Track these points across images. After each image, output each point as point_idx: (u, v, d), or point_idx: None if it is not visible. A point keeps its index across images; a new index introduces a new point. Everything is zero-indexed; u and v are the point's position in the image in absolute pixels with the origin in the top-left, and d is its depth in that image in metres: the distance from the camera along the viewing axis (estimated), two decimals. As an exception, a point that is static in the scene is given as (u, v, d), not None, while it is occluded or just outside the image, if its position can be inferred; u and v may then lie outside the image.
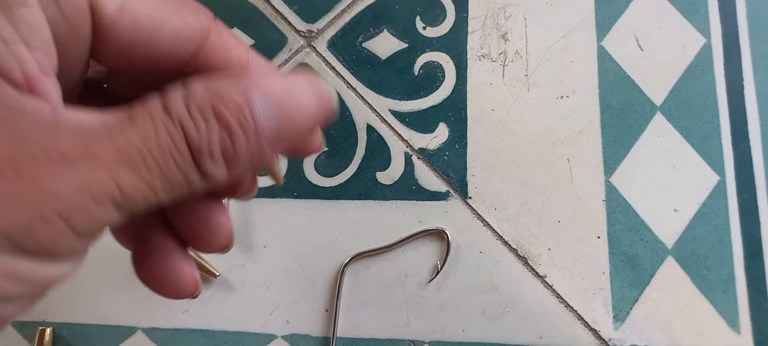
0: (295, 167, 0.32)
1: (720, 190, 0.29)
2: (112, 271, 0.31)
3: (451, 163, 0.31)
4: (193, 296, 0.20)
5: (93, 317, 0.31)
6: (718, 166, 0.29)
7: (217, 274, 0.30)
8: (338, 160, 0.32)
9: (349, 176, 0.32)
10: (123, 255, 0.17)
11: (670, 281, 0.28)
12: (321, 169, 0.32)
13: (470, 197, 0.30)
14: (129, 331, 0.31)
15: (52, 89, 0.15)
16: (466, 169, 0.31)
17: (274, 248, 0.31)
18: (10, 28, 0.14)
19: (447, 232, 0.30)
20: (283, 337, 0.30)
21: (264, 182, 0.32)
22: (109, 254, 0.30)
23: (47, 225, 0.13)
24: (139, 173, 0.15)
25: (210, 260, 0.31)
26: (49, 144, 0.14)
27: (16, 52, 0.14)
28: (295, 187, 0.32)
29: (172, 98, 0.15)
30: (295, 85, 0.17)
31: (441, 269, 0.30)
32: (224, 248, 0.21)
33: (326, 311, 0.30)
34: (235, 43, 0.19)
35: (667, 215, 0.29)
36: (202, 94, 0.15)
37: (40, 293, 0.14)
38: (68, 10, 0.15)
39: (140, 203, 0.15)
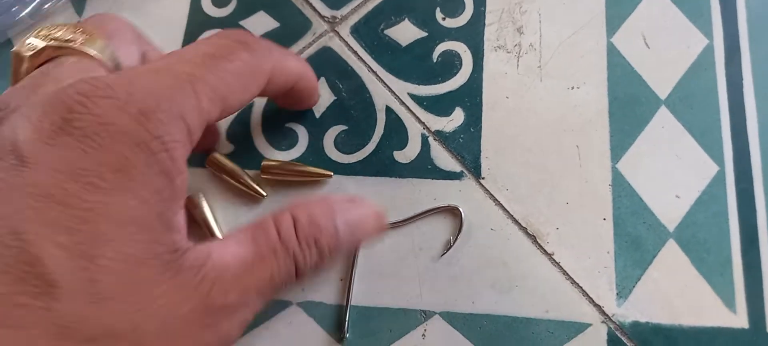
0: (316, 143, 0.34)
1: (719, 179, 0.32)
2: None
3: (466, 145, 0.33)
4: None
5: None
6: (717, 157, 0.32)
7: (264, 194, 0.33)
8: (358, 139, 0.34)
9: (367, 154, 0.34)
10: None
11: (671, 263, 0.31)
12: (341, 146, 0.34)
13: (483, 178, 0.33)
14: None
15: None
16: (480, 151, 0.33)
17: (293, 218, 0.33)
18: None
19: (460, 209, 0.32)
20: (298, 303, 0.32)
21: (284, 156, 0.34)
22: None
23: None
24: (265, 295, 0.23)
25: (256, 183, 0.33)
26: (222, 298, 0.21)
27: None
28: (316, 162, 0.34)
29: (285, 231, 0.23)
30: (366, 216, 0.26)
31: (453, 243, 0.32)
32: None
33: (341, 280, 0.32)
34: (283, 65, 0.27)
35: (670, 201, 0.31)
36: (307, 228, 0.23)
37: None
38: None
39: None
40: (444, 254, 0.32)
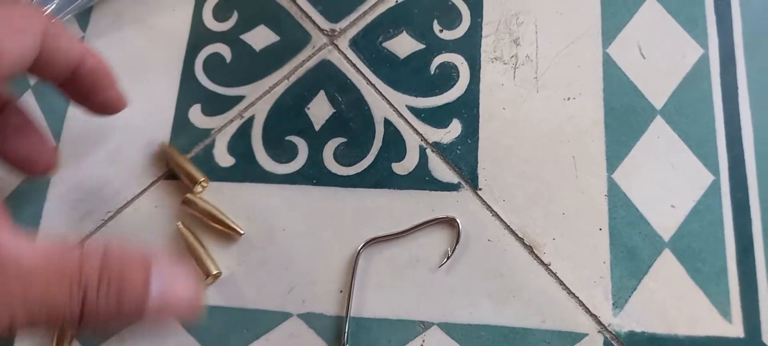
0: (315, 156, 0.35)
1: (715, 189, 0.32)
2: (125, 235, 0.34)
3: (463, 156, 0.34)
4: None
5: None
6: (713, 167, 0.33)
7: (242, 232, 0.33)
8: (356, 151, 0.35)
9: (366, 166, 0.35)
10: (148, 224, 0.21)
11: (667, 273, 0.31)
12: (340, 158, 0.35)
13: (480, 189, 0.33)
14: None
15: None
16: (477, 162, 0.34)
17: (293, 231, 0.34)
18: None
19: (458, 220, 0.33)
20: (298, 315, 0.32)
21: (284, 168, 0.35)
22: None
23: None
24: (30, 319, 0.19)
25: (235, 220, 0.34)
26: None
27: None
28: (315, 174, 0.35)
29: (88, 259, 0.20)
30: (185, 290, 0.22)
31: (451, 254, 0.32)
32: (48, 169, 0.32)
33: (340, 292, 0.33)
34: (64, 37, 0.26)
35: (665, 211, 0.32)
36: (115, 268, 0.20)
37: None
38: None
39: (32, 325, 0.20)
40: (442, 265, 0.32)
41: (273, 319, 0.32)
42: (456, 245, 0.33)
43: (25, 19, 0.24)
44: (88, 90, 0.28)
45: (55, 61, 0.26)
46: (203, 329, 0.33)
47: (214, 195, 0.35)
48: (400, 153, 0.35)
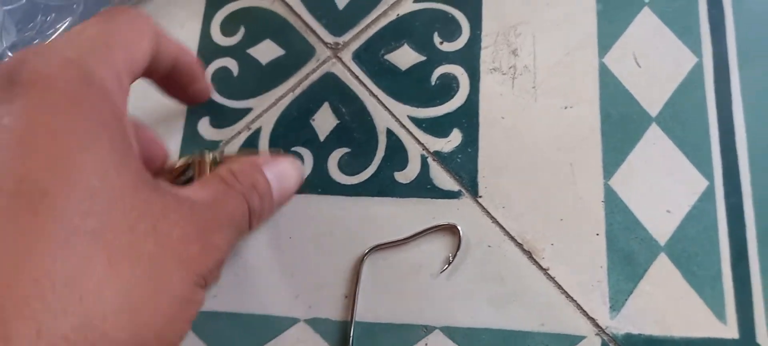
0: (320, 166, 0.37)
1: (709, 194, 0.34)
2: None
3: (464, 165, 0.36)
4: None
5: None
6: (707, 173, 0.34)
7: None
8: (360, 161, 0.37)
9: (369, 175, 0.37)
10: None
11: (663, 276, 0.33)
12: (344, 168, 0.37)
13: (480, 196, 0.35)
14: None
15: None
16: (477, 170, 0.36)
17: (299, 238, 0.36)
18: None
19: (459, 227, 0.35)
20: (305, 320, 0.34)
21: (291, 178, 0.37)
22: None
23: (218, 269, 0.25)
24: (233, 233, 0.25)
25: None
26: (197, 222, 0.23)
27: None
28: (320, 183, 0.37)
29: (228, 178, 0.26)
30: (288, 167, 0.30)
31: (452, 260, 0.34)
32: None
33: (346, 297, 0.34)
34: (166, 37, 0.28)
35: (661, 216, 0.34)
36: (243, 175, 0.27)
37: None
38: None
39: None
40: (443, 270, 0.34)
41: (280, 324, 0.34)
42: (457, 251, 0.34)
43: (143, 22, 0.26)
44: (184, 84, 0.32)
45: (162, 59, 0.28)
46: (212, 334, 0.35)
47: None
48: (402, 162, 0.37)
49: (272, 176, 0.28)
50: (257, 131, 0.38)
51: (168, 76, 0.30)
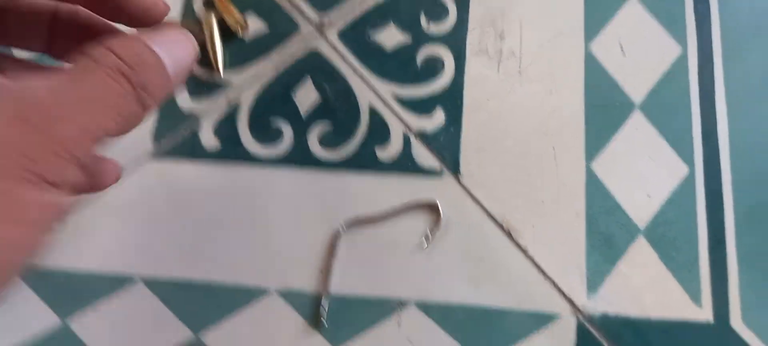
0: (300, 140, 0.37)
1: (690, 181, 0.35)
2: (111, 213, 0.36)
3: (447, 145, 0.37)
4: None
5: (81, 263, 0.36)
6: (688, 160, 0.35)
7: (222, 76, 0.38)
8: (341, 136, 0.37)
9: (350, 151, 0.37)
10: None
11: (641, 259, 0.34)
12: (325, 142, 0.37)
13: (462, 176, 0.36)
14: (124, 281, 0.35)
15: None
16: (460, 151, 0.37)
17: (275, 210, 0.36)
18: None
19: (439, 204, 0.35)
20: (277, 291, 0.35)
21: (269, 151, 0.37)
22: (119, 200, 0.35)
23: (65, 162, 0.19)
24: (108, 116, 0.20)
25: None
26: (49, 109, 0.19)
27: None
28: (300, 158, 0.37)
29: (103, 56, 0.21)
30: (175, 37, 0.24)
31: (432, 238, 0.35)
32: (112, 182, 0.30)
33: (321, 271, 0.35)
34: None
35: (641, 200, 0.35)
36: (124, 49, 0.21)
37: (55, 221, 0.19)
38: None
39: (109, 137, 0.21)
40: (423, 247, 0.35)
41: (250, 294, 0.35)
42: (436, 229, 0.35)
43: None
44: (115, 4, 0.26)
45: None
46: (180, 304, 0.35)
47: (198, 175, 0.37)
48: (385, 139, 0.37)
49: (161, 50, 0.23)
50: (237, 104, 0.39)
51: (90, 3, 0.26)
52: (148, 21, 0.27)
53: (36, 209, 0.18)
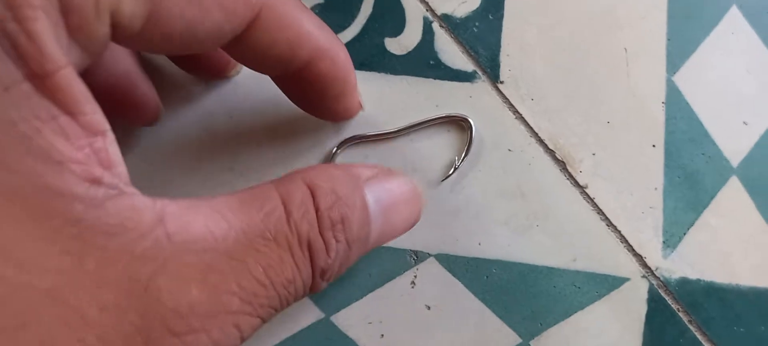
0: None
1: (799, 105, 0.27)
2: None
3: (482, 37, 0.27)
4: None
5: None
6: (800, 77, 0.27)
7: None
8: (337, 17, 0.28)
9: (349, 39, 0.28)
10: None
11: (733, 207, 0.26)
12: (313, 25, 0.27)
13: (502, 82, 0.27)
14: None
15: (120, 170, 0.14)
16: (500, 46, 0.27)
17: (251, 122, 0.27)
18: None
19: (470, 120, 0.26)
20: (248, 233, 0.26)
21: (236, 32, 0.27)
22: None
23: None
24: (259, 309, 0.15)
25: None
26: (178, 302, 0.13)
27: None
28: (278, 44, 0.27)
29: (298, 207, 0.16)
30: (403, 194, 0.20)
31: (458, 166, 0.26)
32: (152, 120, 0.25)
33: (307, 205, 0.26)
34: (290, 19, 0.19)
35: (736, 128, 0.27)
36: (331, 203, 0.16)
37: None
38: (85, 44, 0.14)
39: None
40: (445, 178, 0.26)
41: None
42: (465, 155, 0.26)
43: None
44: (316, 95, 0.23)
45: (269, 54, 0.20)
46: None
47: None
48: (397, 26, 0.28)
49: (376, 206, 0.19)
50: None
51: (289, 79, 0.22)
52: (331, 119, 0.25)
53: None
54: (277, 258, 0.15)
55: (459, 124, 0.27)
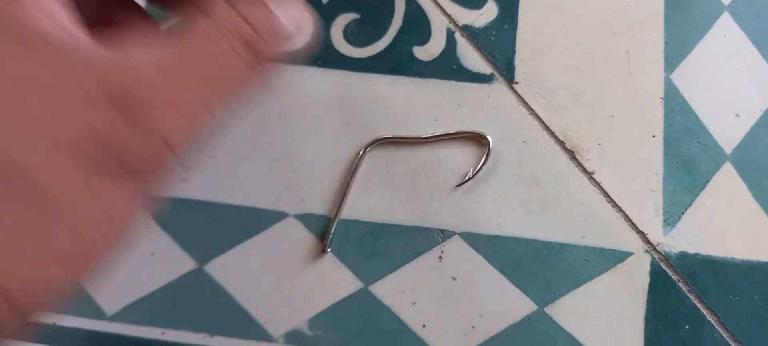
0: (322, 33, 0.32)
1: (786, 98, 0.31)
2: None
3: (499, 44, 0.32)
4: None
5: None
6: (786, 73, 0.31)
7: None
8: (371, 29, 0.32)
9: (382, 48, 0.32)
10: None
11: (727, 190, 0.30)
12: (351, 37, 0.32)
13: (517, 83, 0.31)
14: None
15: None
16: (515, 52, 0.31)
17: (292, 119, 0.31)
18: None
19: (489, 138, 0.30)
20: (295, 216, 0.30)
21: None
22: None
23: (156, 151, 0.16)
24: (220, 97, 0.17)
25: None
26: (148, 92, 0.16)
27: None
28: (320, 54, 0.32)
29: (225, 17, 0.17)
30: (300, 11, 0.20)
31: (473, 175, 0.30)
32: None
33: (337, 193, 0.30)
34: None
35: (728, 120, 0.30)
36: (250, 12, 0.18)
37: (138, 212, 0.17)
38: None
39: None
40: (460, 184, 0.30)
41: (265, 219, 0.30)
42: (482, 165, 0.30)
43: None
44: None
45: None
46: (180, 226, 0.30)
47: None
48: (424, 35, 0.32)
49: (285, 18, 0.19)
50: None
51: None
52: None
53: (118, 202, 0.16)
54: (219, 44, 0.17)
55: (477, 140, 0.31)
